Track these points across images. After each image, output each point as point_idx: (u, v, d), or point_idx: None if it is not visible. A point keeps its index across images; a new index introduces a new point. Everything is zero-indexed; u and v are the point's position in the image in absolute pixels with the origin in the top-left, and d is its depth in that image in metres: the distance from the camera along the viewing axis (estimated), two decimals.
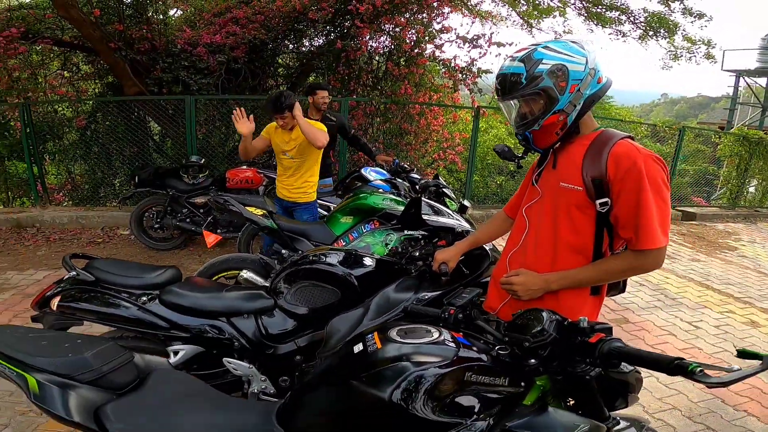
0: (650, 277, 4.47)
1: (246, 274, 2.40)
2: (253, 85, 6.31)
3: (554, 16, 6.16)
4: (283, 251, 2.69)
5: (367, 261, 1.87)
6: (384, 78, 6.61)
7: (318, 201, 3.82)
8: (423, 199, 2.27)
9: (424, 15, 5.96)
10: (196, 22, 6.52)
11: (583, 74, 1.24)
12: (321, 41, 6.82)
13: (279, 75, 7.39)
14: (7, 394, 2.28)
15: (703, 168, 8.74)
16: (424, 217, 1.85)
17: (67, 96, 6.52)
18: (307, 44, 7.07)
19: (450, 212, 2.50)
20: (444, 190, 2.90)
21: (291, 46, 7.06)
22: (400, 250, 2.01)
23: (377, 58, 6.65)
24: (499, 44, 5.78)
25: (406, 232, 2.62)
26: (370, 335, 1.11)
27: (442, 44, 5.92)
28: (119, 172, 6.02)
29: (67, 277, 1.76)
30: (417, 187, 3.16)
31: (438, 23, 6.00)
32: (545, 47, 1.25)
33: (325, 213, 3.77)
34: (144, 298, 1.72)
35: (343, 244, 2.67)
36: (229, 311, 1.76)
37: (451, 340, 1.07)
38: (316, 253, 1.91)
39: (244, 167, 4.31)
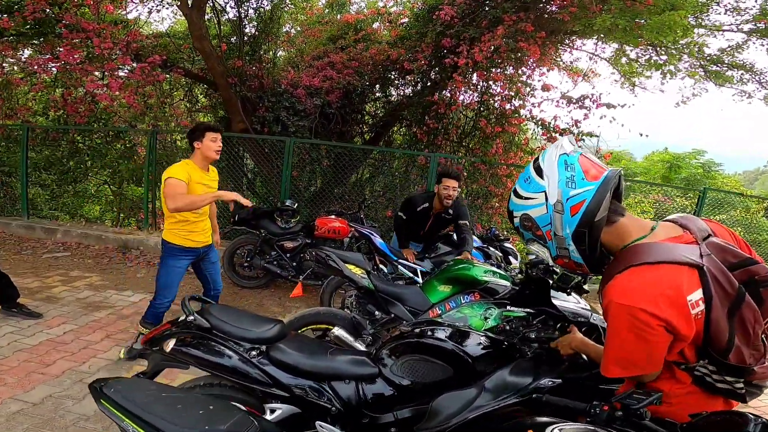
0: None
1: (338, 331, 2.33)
2: (342, 131, 6.51)
3: (663, 74, 5.74)
4: (376, 312, 2.61)
5: (483, 339, 1.72)
6: (471, 135, 6.57)
7: (402, 261, 3.76)
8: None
9: (522, 70, 5.91)
10: (299, 63, 6.98)
11: (548, 216, 1.09)
12: (409, 91, 7.03)
13: (365, 122, 7.59)
14: (84, 418, 2.33)
15: None
16: (557, 302, 1.68)
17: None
18: (394, 94, 7.30)
19: (576, 297, 2.28)
20: (553, 269, 2.69)
21: (379, 95, 7.31)
22: (507, 328, 1.85)
23: (467, 113, 6.67)
24: (608, 105, 5.50)
25: (508, 308, 2.45)
26: None
27: (541, 102, 5.80)
28: (216, 205, 6.37)
29: (182, 319, 1.80)
30: (525, 264, 2.89)
31: (538, 80, 5.92)
32: (516, 189, 1.19)
33: (411, 275, 3.68)
34: (253, 353, 1.70)
35: (438, 312, 2.54)
36: (332, 375, 1.70)
37: None
38: (427, 326, 1.80)
39: (333, 217, 4.40)
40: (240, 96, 6.06)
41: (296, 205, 4.71)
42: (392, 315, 2.58)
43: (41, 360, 2.82)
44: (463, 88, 5.87)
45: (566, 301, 2.05)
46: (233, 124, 6.09)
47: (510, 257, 3.58)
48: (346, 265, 2.60)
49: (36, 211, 6.47)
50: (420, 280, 3.60)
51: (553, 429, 0.99)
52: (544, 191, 1.09)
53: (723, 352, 1.01)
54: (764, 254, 6.34)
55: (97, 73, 6.05)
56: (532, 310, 2.23)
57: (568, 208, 1.07)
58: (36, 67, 6.03)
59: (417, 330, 1.78)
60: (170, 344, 1.74)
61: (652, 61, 5.66)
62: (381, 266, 3.75)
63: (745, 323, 1.01)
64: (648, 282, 1.01)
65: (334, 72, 6.06)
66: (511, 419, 1.55)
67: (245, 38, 6.71)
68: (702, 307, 0.99)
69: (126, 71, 5.99)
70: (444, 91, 6.00)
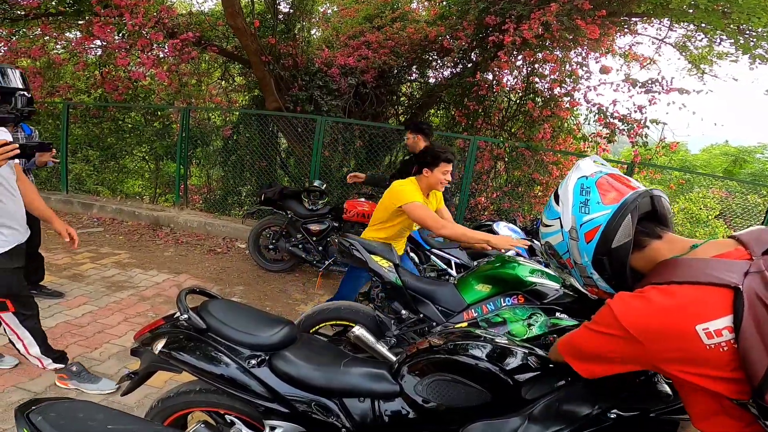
0: None
1: (358, 331, 2.04)
2: (377, 112, 6.31)
3: (751, 58, 5.04)
4: (403, 311, 2.31)
5: (531, 359, 1.39)
6: (515, 118, 6.16)
7: (435, 251, 3.43)
8: None
9: (576, 51, 5.37)
10: (334, 43, 6.77)
11: (565, 244, 1.07)
12: (447, 73, 6.66)
13: (401, 104, 7.36)
14: None
15: None
16: None
17: (220, 105, 7.16)
18: (431, 75, 6.97)
19: None
20: None
21: (415, 76, 7.02)
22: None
23: (511, 95, 6.22)
24: (681, 90, 4.90)
25: (557, 315, 2.09)
26: None
27: (597, 86, 5.24)
28: (248, 182, 6.34)
29: (177, 315, 1.57)
30: None
31: (595, 62, 5.37)
32: (542, 216, 1.18)
33: (444, 267, 3.35)
34: (253, 361, 1.46)
35: (474, 315, 2.21)
36: (344, 391, 1.45)
37: None
38: (461, 341, 1.48)
39: (362, 200, 4.11)
40: (274, 74, 5.92)
41: (324, 185, 4.45)
42: (421, 315, 2.28)
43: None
44: (507, 69, 5.45)
45: None
46: (267, 102, 6.00)
47: None
48: (372, 256, 2.30)
49: (80, 186, 6.61)
50: (454, 273, 3.27)
51: None
52: (559, 218, 1.06)
53: (757, 390, 0.81)
54: None
55: (133, 52, 6.02)
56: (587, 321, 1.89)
57: (582, 234, 1.02)
58: (80, 48, 6.10)
59: (448, 345, 1.48)
60: (159, 345, 1.52)
61: (740, 43, 4.94)
62: (412, 254, 3.44)
63: None
64: (650, 305, 0.89)
65: (369, 51, 5.79)
66: None
67: (279, 16, 6.53)
68: (729, 336, 0.83)
69: (161, 49, 5.93)
70: (486, 73, 5.54)
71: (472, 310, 2.21)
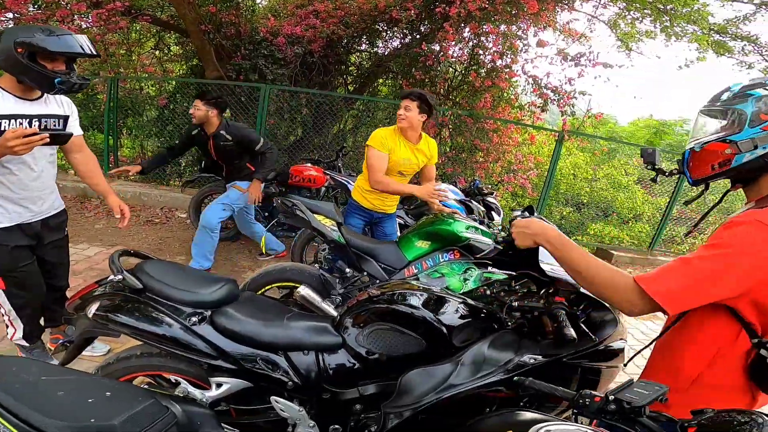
0: None
1: (303, 290, 2.10)
2: (324, 81, 6.22)
3: (668, 36, 5.51)
4: (347, 270, 2.39)
5: (461, 307, 1.52)
6: (459, 88, 6.32)
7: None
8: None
9: (517, 26, 5.55)
10: (280, 12, 6.52)
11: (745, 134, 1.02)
12: (396, 44, 6.66)
13: (350, 74, 7.29)
14: None
15: None
16: (546, 266, 1.46)
17: (154, 74, 6.70)
18: (381, 46, 6.95)
19: None
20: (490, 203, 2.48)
21: (365, 46, 6.95)
22: (488, 292, 1.65)
23: (456, 66, 6.35)
24: (605, 65, 5.27)
25: (489, 269, 2.26)
26: None
27: (534, 59, 5.48)
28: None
29: (110, 278, 1.52)
30: (510, 220, 2.64)
31: (533, 36, 5.58)
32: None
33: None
34: (194, 319, 1.45)
35: (415, 271, 2.33)
36: (289, 345, 1.48)
37: None
38: (399, 290, 1.58)
39: (309, 165, 4.09)
40: (214, 44, 5.68)
41: None
42: (365, 273, 2.37)
43: None
44: (453, 41, 5.53)
45: (556, 266, 1.84)
46: (207, 71, 5.79)
47: (493, 213, 3.38)
48: (315, 215, 2.33)
49: None
50: (397, 233, 3.40)
51: (538, 430, 0.85)
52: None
53: None
54: None
55: (52, 22, 5.40)
56: (514, 273, 2.05)
57: None
58: None
59: (386, 295, 1.56)
60: (92, 308, 1.47)
61: (664, 22, 5.34)
62: None
63: None
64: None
65: (317, 21, 5.65)
66: (490, 402, 1.39)
67: None
68: None
69: (84, 19, 5.40)
70: (433, 44, 5.60)
71: (413, 267, 2.33)
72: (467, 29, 5.57)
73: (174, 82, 6.41)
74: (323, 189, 4.07)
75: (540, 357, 1.38)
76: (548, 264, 1.47)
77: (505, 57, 5.45)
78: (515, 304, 1.49)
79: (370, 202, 2.83)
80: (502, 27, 5.42)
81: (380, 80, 7.42)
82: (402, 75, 6.56)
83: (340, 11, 5.76)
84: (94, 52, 1.86)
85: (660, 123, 12.65)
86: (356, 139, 6.45)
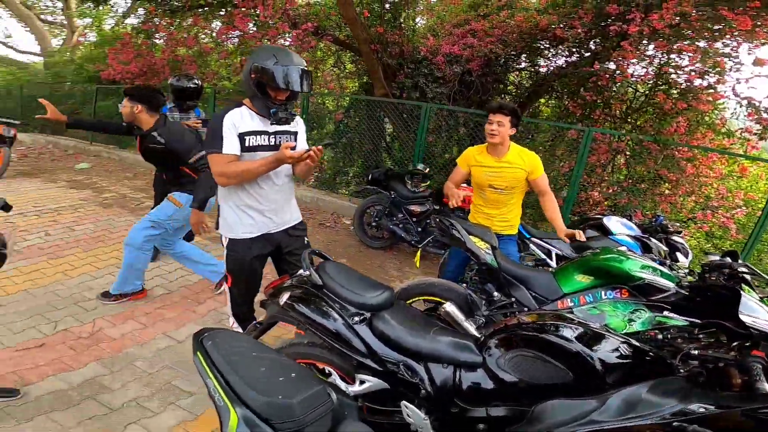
0: None
1: (449, 307, 2.14)
2: (482, 100, 6.22)
3: None
4: (495, 294, 2.35)
5: (623, 346, 1.38)
6: (640, 110, 5.59)
7: (535, 239, 3.33)
8: (744, 294, 1.56)
9: (724, 42, 4.66)
10: (438, 31, 6.78)
11: None
12: (561, 62, 6.28)
13: (509, 93, 7.16)
14: None
15: None
16: (746, 318, 1.23)
17: (333, 91, 7.69)
18: (542, 64, 6.64)
19: None
20: (742, 275, 2.03)
21: (524, 64, 6.73)
22: (660, 337, 1.49)
23: (637, 86, 5.64)
24: None
25: (665, 314, 1.95)
26: None
27: (750, 79, 4.51)
28: (355, 163, 6.76)
29: (300, 272, 1.81)
30: (703, 265, 2.07)
31: (748, 53, 4.63)
32: None
33: (544, 257, 3.25)
34: (356, 318, 1.64)
35: (570, 304, 2.16)
36: (431, 356, 1.56)
37: None
38: (553, 321, 1.51)
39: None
40: (381, 62, 6.16)
41: (428, 169, 4.58)
42: (513, 299, 2.29)
43: (196, 298, 3.24)
44: (634, 59, 4.95)
45: (759, 317, 1.50)
46: (375, 89, 6.31)
47: (678, 254, 2.88)
48: (471, 237, 2.37)
49: None
50: (554, 264, 3.17)
51: None
52: None
53: None
54: None
55: (265, 41, 6.73)
56: (698, 321, 1.74)
57: None
58: (222, 37, 7.00)
59: (539, 323, 1.50)
60: (284, 297, 1.77)
61: None
62: None
63: None
64: None
65: (475, 40, 5.71)
66: None
67: (386, 5, 6.74)
68: None
69: (285, 38, 6.55)
70: (607, 63, 5.10)
71: (568, 300, 2.16)
72: (651, 46, 4.92)
73: (348, 99, 7.16)
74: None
75: (713, 407, 1.16)
76: (750, 316, 1.23)
77: (707, 76, 4.62)
78: (695, 352, 1.32)
79: (477, 221, 2.77)
80: (702, 43, 4.61)
81: (542, 100, 7.08)
82: (568, 95, 6.16)
83: (498, 30, 5.70)
84: (309, 90, 1.93)
85: None
86: None
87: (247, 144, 1.94)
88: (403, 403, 1.54)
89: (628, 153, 5.18)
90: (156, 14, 7.33)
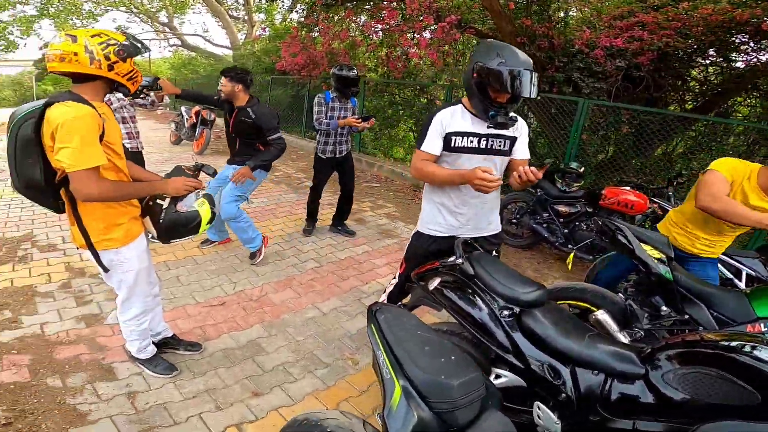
0: None
1: (602, 315, 1.97)
2: (653, 97, 5.43)
3: None
4: (663, 308, 2.05)
5: None
6: None
7: (723, 256, 2.75)
8: None
9: None
10: (596, 23, 6.10)
11: None
12: (765, 58, 5.17)
13: (690, 90, 6.11)
14: (348, 335, 2.69)
15: None
16: None
17: None
18: (739, 59, 5.55)
19: None
20: None
21: (712, 60, 5.66)
22: None
23: None
24: None
25: None
26: None
27: None
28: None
29: (450, 260, 1.82)
30: None
31: None
32: None
33: (731, 276, 2.70)
34: (505, 312, 1.61)
35: (764, 330, 1.77)
36: (583, 361, 1.46)
37: None
38: (748, 341, 1.26)
39: (627, 188, 3.66)
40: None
41: (582, 168, 4.18)
42: (686, 317, 1.96)
43: (341, 274, 3.54)
44: None
45: None
46: None
47: None
48: (641, 244, 2.09)
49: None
50: (743, 285, 2.61)
51: None
52: None
53: None
54: None
55: (408, 34, 6.92)
56: None
57: None
58: (369, 30, 7.42)
59: (729, 341, 1.27)
60: (435, 282, 1.81)
61: None
62: None
63: None
64: None
65: (644, 33, 5.02)
66: None
67: None
68: None
69: (429, 31, 6.62)
70: None
71: (761, 325, 1.77)
72: None
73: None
74: (639, 217, 3.57)
75: None
76: None
77: None
78: None
79: (677, 239, 2.30)
80: None
81: (739, 98, 5.84)
82: None
83: (676, 22, 4.91)
84: (537, 95, 1.78)
85: None
86: (689, 165, 5.32)
87: (452, 144, 1.87)
88: (537, 403, 1.50)
89: None
90: (315, 9, 8.02)
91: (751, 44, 5.22)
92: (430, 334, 1.24)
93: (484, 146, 1.89)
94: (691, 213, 2.21)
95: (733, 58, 5.64)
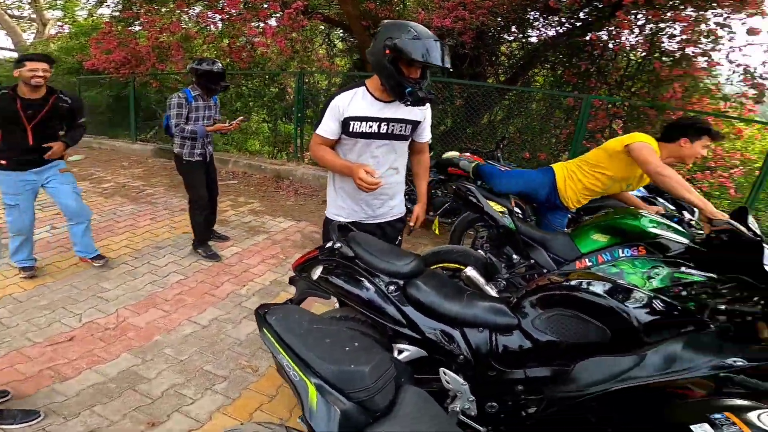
0: None
1: (470, 272, 2.19)
2: (475, 72, 6.23)
3: None
4: (514, 256, 2.41)
5: (655, 302, 1.42)
6: (635, 77, 5.64)
7: None
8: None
9: (714, 12, 4.71)
10: (428, 4, 6.71)
11: None
12: (552, 32, 6.30)
13: (501, 64, 7.17)
14: (237, 343, 2.54)
15: None
16: None
17: (328, 69, 7.58)
18: (534, 35, 6.65)
19: None
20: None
21: (514, 36, 6.77)
22: (684, 293, 1.53)
23: (631, 55, 5.70)
24: None
25: (683, 270, 2.02)
26: (719, 415, 0.86)
27: (744, 46, 4.61)
28: None
29: (328, 246, 1.79)
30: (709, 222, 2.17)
31: (741, 23, 4.70)
32: None
33: None
34: (391, 287, 1.63)
35: (588, 264, 2.23)
36: (467, 321, 1.56)
37: None
38: (587, 278, 1.54)
39: (468, 154, 4.20)
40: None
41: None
42: (532, 261, 2.36)
43: (213, 281, 3.26)
44: (627, 29, 5.00)
45: None
46: (367, 66, 6.25)
47: (685, 212, 2.97)
48: (488, 201, 2.42)
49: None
50: (688, 215, 3.16)
51: (760, 414, 0.83)
52: None
53: None
54: None
55: (253, 23, 6.57)
56: (715, 276, 1.80)
57: None
58: (206, 21, 6.84)
59: (571, 281, 1.54)
60: (317, 271, 1.75)
61: None
62: (517, 209, 3.47)
63: None
64: None
65: (466, 12, 5.65)
66: (678, 397, 1.28)
67: None
68: None
69: (276, 19, 6.41)
70: (599, 32, 5.17)
71: (587, 260, 2.23)
72: (642, 16, 4.95)
73: (340, 77, 7.09)
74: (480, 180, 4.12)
75: (745, 362, 1.20)
76: None
77: (700, 45, 4.68)
78: (723, 306, 1.37)
79: (566, 193, 2.57)
80: (691, 11, 4.65)
81: (536, 70, 7.12)
82: (561, 64, 6.20)
83: (488, 2, 5.64)
84: (450, 66, 1.74)
85: None
86: (507, 130, 6.35)
87: (351, 129, 1.82)
88: (442, 369, 1.54)
89: (625, 118, 5.24)
90: (134, 2, 7.11)
91: (541, 20, 6.22)
92: (327, 325, 1.21)
93: (384, 131, 1.85)
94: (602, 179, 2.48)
95: (529, 33, 6.64)
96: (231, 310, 2.91)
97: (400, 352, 1.60)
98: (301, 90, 6.35)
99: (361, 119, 1.82)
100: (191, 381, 2.26)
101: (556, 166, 2.65)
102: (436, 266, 2.56)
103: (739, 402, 0.93)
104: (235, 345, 2.56)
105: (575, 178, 2.54)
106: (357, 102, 1.82)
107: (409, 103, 1.75)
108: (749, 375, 1.20)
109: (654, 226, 2.10)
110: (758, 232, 1.84)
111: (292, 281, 2.01)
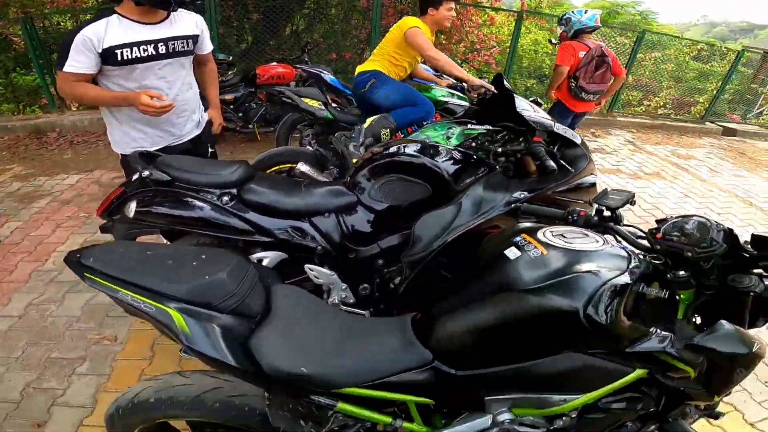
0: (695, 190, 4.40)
1: (302, 166, 2.26)
2: None
3: None
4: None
5: (454, 153, 1.71)
6: None
7: None
8: (516, 96, 2.00)
9: None
10: None
11: None
12: None
13: None
14: (74, 319, 2.17)
15: (742, 88, 8.21)
16: (525, 113, 1.64)
17: (69, 8, 5.96)
18: None
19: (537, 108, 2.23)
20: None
21: None
22: (474, 145, 1.82)
23: None
24: None
25: (469, 126, 2.46)
26: (519, 238, 1.00)
27: None
28: None
29: (136, 178, 1.55)
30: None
31: None
32: None
33: None
34: (225, 198, 1.52)
35: (401, 136, 2.51)
36: (311, 210, 1.57)
37: (620, 246, 0.99)
38: (399, 144, 1.74)
39: (274, 63, 4.05)
40: None
41: (231, 57, 4.25)
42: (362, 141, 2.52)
43: (3, 267, 2.56)
44: None
45: (530, 110, 2.00)
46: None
47: (464, 85, 3.54)
48: (302, 99, 2.43)
49: None
50: None
51: (544, 231, 1.00)
52: None
53: None
54: (687, 88, 7.71)
55: None
56: (491, 127, 2.24)
57: None
58: None
59: (390, 149, 1.72)
60: (131, 207, 1.52)
61: None
62: (333, 104, 3.59)
63: None
64: None
65: None
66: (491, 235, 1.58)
67: None
68: None
69: None
70: None
71: (399, 133, 2.51)
72: None
73: (93, 13, 5.71)
74: (293, 84, 4.05)
75: (527, 193, 1.57)
76: (525, 110, 1.65)
77: None
78: (499, 149, 1.67)
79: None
80: None
81: None
82: None
83: None
84: None
85: (613, 4, 12.76)
86: (312, 37, 6.27)
87: (121, 58, 1.63)
88: (307, 266, 1.52)
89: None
90: None
91: None
92: (163, 249, 1.05)
93: (164, 51, 1.72)
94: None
95: None
96: (45, 290, 2.39)
97: (260, 261, 1.54)
98: (35, 36, 4.97)
99: (129, 45, 1.65)
100: (44, 374, 1.87)
101: (378, 66, 2.74)
102: (268, 171, 2.54)
103: (529, 225, 1.11)
104: (72, 322, 2.16)
105: (397, 69, 2.72)
106: (114, 30, 1.63)
107: (178, 5, 1.68)
108: (530, 202, 1.52)
109: (443, 96, 2.47)
110: (511, 88, 2.35)
111: (104, 229, 1.72)
